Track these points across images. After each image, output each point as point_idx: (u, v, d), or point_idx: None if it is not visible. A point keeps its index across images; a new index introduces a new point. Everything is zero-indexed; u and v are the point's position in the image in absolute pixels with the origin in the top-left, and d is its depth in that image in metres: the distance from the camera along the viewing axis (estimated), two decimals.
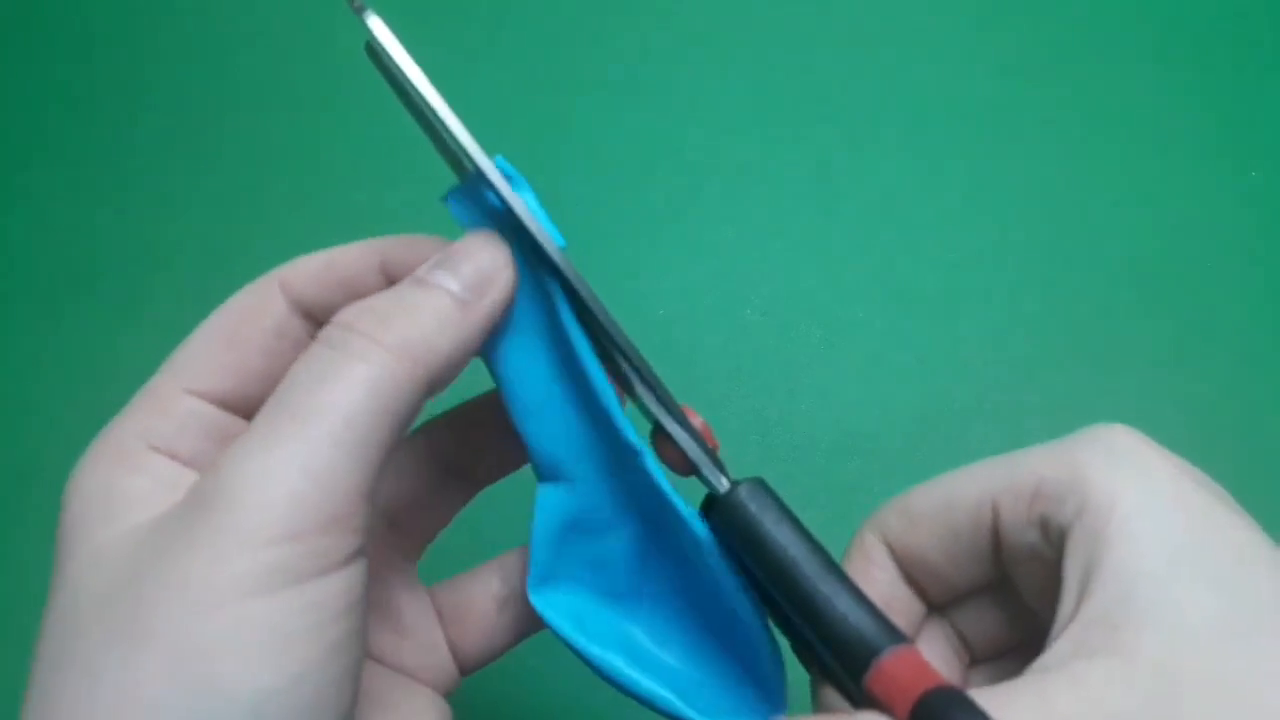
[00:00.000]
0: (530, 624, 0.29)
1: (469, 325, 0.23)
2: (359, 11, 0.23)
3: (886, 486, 0.44)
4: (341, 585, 0.21)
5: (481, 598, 0.29)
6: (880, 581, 0.26)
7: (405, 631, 0.28)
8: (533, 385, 0.26)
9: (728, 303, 0.47)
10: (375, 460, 0.21)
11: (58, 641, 0.20)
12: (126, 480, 0.22)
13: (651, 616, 0.28)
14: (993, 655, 0.27)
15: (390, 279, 0.25)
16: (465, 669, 0.29)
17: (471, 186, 0.24)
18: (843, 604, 0.24)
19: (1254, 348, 0.46)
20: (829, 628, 0.24)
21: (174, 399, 0.24)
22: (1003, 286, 0.48)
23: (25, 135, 0.52)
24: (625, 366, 0.25)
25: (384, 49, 0.23)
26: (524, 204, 0.24)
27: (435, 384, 0.23)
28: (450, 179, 0.26)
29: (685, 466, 0.26)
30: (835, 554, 0.25)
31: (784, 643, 0.27)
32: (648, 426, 0.26)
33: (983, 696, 0.21)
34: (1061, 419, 0.45)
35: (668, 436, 0.26)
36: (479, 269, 0.24)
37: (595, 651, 0.26)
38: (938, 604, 0.27)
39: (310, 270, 0.25)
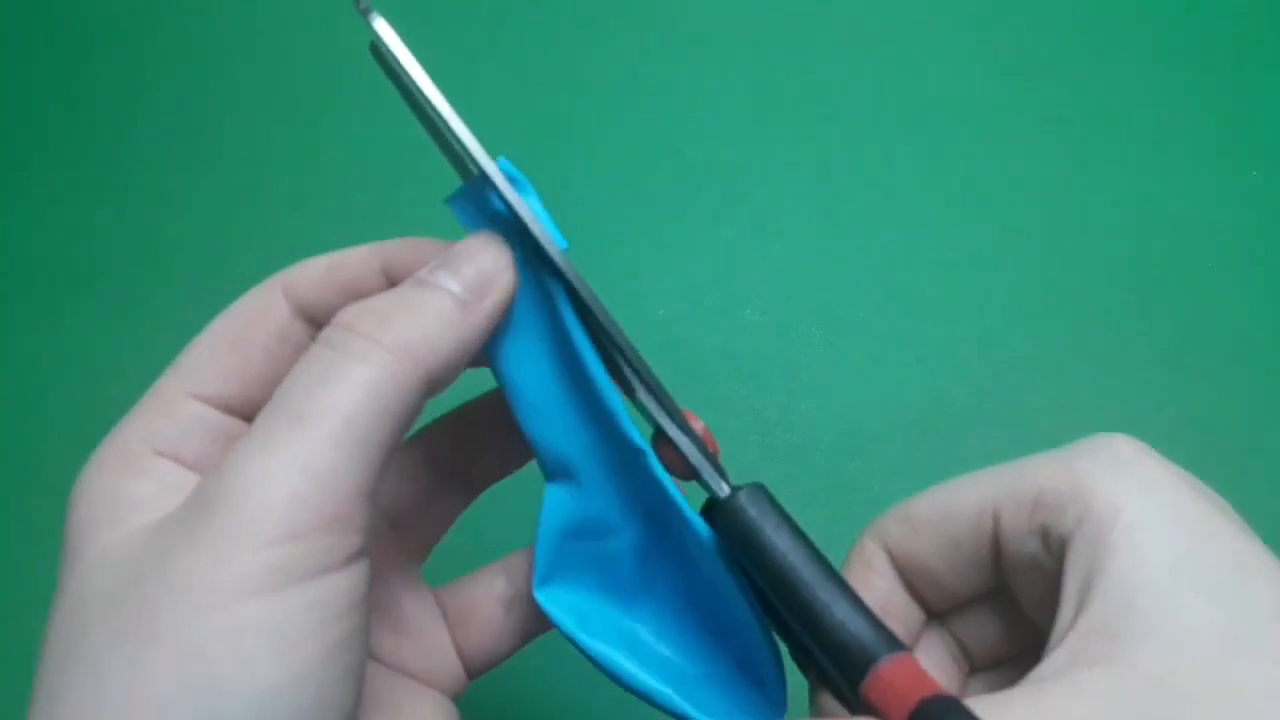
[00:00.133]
0: (536, 625, 0.29)
1: (470, 326, 0.23)
2: (364, 13, 0.23)
3: (886, 486, 0.44)
4: (344, 584, 0.21)
5: (487, 600, 0.29)
6: (880, 589, 0.26)
7: (410, 633, 0.28)
8: (536, 386, 0.26)
9: (728, 303, 0.47)
10: (376, 460, 0.21)
11: (64, 642, 0.20)
12: (132, 484, 0.22)
13: (654, 614, 0.28)
14: (992, 664, 0.27)
15: (392, 281, 0.25)
16: (472, 671, 0.29)
17: (476, 189, 0.24)
18: (841, 611, 0.24)
19: (1254, 348, 0.46)
20: (827, 634, 0.24)
21: (178, 403, 0.24)
22: (1003, 286, 0.48)
23: (25, 135, 0.52)
24: (627, 370, 0.25)
25: (389, 50, 0.23)
26: (528, 207, 0.24)
27: (435, 385, 0.23)
28: (454, 180, 0.26)
29: (686, 471, 0.26)
30: (836, 554, 0.25)
31: (783, 648, 0.27)
32: (649, 430, 0.26)
33: (979, 705, 0.20)
34: (1061, 419, 0.46)
35: (669, 441, 0.26)
36: (480, 270, 0.24)
37: (598, 647, 0.26)
38: (937, 612, 0.27)
39: (314, 273, 0.25)
